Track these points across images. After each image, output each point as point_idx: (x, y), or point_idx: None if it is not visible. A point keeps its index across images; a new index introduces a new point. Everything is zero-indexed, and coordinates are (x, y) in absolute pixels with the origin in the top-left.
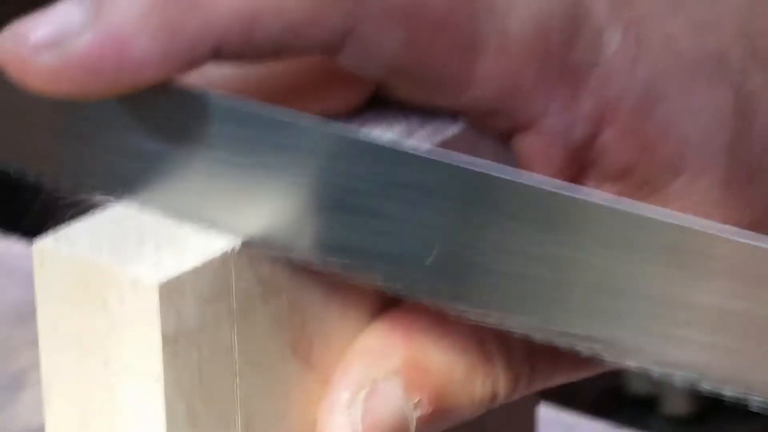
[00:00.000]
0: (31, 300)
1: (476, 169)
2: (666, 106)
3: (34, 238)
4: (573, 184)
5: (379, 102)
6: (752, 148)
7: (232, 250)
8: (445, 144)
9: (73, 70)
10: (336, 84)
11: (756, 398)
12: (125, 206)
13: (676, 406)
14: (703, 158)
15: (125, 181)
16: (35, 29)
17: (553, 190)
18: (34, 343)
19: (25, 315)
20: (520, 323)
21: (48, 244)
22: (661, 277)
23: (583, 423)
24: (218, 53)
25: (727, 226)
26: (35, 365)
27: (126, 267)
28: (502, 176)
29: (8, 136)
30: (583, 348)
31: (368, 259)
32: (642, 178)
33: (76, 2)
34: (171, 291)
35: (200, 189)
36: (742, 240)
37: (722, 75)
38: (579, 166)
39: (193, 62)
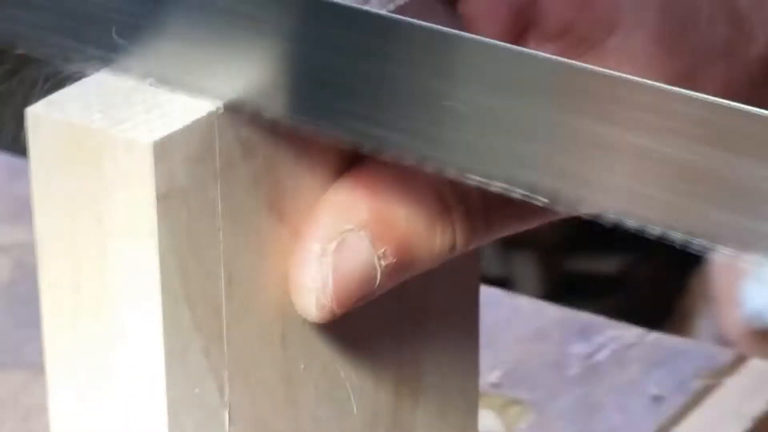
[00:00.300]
0: None
1: (432, 29)
2: None
3: None
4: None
5: None
6: (681, 3)
7: (216, 110)
8: (398, 10)
9: None
10: None
11: (676, 236)
12: (110, 73)
13: (527, 288)
14: (637, 14)
15: (108, 49)
16: None
17: (513, 50)
18: None
19: None
20: (464, 170)
21: (41, 108)
22: (578, 123)
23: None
24: None
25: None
26: None
27: (119, 129)
28: (461, 36)
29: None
30: (516, 193)
31: (337, 117)
32: (580, 36)
33: None
34: (163, 150)
35: (181, 54)
36: (657, 86)
37: None
38: (522, 25)
39: None
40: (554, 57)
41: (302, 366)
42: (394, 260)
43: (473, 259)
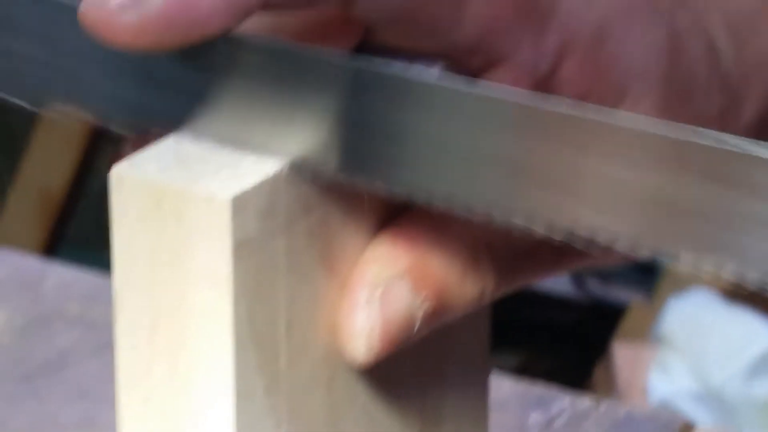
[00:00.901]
0: None
1: (471, 90)
2: (614, 41)
3: None
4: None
5: (362, 51)
6: (681, 77)
7: (281, 170)
8: None
9: (153, 25)
10: (332, 32)
11: (646, 255)
12: (184, 136)
13: None
14: (644, 85)
15: (180, 114)
16: None
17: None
18: None
19: None
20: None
21: (123, 169)
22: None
23: None
24: (267, 3)
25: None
26: None
27: (199, 185)
28: (491, 91)
29: (71, 74)
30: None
31: (384, 172)
32: (594, 104)
33: None
34: (240, 204)
35: (246, 120)
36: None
37: (656, 15)
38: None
39: (249, 13)
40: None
41: (344, 408)
42: (432, 307)
43: (485, 311)
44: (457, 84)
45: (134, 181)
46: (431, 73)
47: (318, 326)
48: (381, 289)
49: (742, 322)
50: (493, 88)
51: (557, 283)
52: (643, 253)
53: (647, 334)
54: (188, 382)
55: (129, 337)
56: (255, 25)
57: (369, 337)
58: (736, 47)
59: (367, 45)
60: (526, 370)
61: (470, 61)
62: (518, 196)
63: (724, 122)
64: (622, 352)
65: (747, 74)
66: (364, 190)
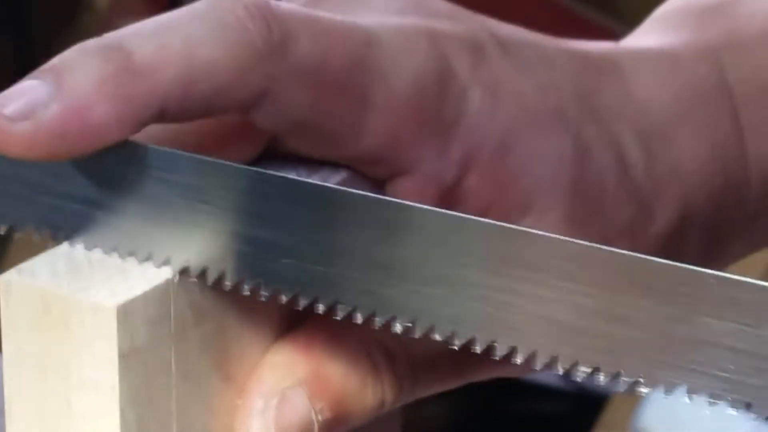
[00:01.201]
0: None
1: (370, 198)
2: (518, 153)
3: None
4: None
5: (271, 155)
6: (589, 188)
7: (172, 278)
8: None
9: (45, 136)
10: (237, 137)
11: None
12: (75, 244)
13: None
14: (549, 196)
15: (72, 222)
16: (9, 103)
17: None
18: None
19: None
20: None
21: (12, 276)
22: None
23: None
24: (162, 115)
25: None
26: None
27: (85, 294)
28: (396, 202)
29: None
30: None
31: (277, 281)
32: (498, 215)
33: (38, 77)
34: (126, 313)
35: (138, 228)
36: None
37: (562, 126)
38: (446, 205)
39: (142, 124)
40: (484, 220)
41: None
42: (330, 415)
43: (394, 418)
44: (354, 193)
45: (22, 288)
46: (330, 180)
47: (215, 431)
48: (277, 398)
49: (722, 415)
50: (385, 197)
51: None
52: (559, 369)
53: (628, 426)
54: None
55: None
56: (156, 131)
57: None
58: (646, 157)
59: (273, 151)
60: None
61: (375, 170)
62: (419, 301)
63: (633, 232)
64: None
65: (658, 184)
66: (259, 298)
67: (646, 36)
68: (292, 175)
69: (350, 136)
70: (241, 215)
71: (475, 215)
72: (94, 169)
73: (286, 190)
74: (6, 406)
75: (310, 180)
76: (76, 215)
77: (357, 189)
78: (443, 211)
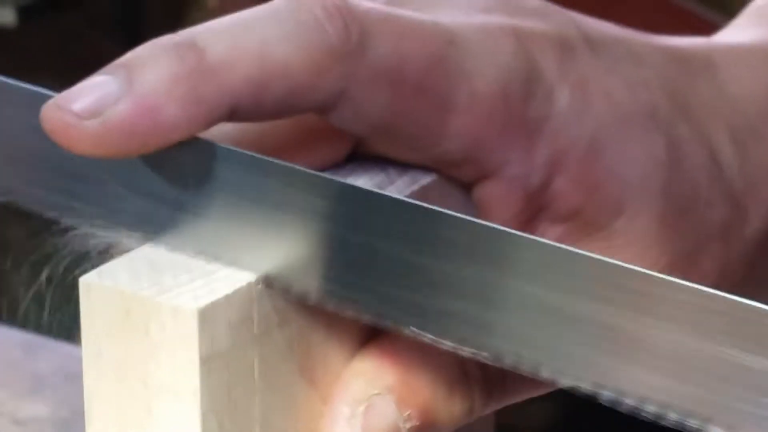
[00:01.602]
0: None
1: (455, 216)
2: (608, 154)
3: None
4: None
5: (359, 156)
6: (682, 189)
7: (255, 281)
8: (422, 190)
9: (113, 134)
10: (322, 139)
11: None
12: (156, 246)
13: None
14: (642, 199)
15: (154, 224)
16: (78, 99)
17: (511, 232)
18: None
19: None
20: (472, 347)
21: (93, 278)
22: (606, 314)
23: None
24: (233, 114)
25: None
26: None
27: (166, 297)
28: (479, 223)
29: (42, 181)
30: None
31: (360, 299)
32: (588, 219)
33: (110, 73)
34: (207, 317)
35: (219, 232)
36: (680, 282)
37: (654, 126)
38: (534, 209)
39: (212, 123)
40: (573, 248)
41: None
42: (418, 423)
43: (486, 424)
44: (451, 215)
45: (103, 290)
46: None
47: None
48: (364, 406)
49: None
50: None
51: None
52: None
53: None
54: None
55: None
56: (238, 130)
57: None
58: (740, 155)
59: (363, 152)
60: None
61: (460, 173)
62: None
63: (727, 234)
64: None
65: (752, 183)
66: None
67: (741, 31)
68: (381, 176)
69: (432, 138)
70: (324, 226)
71: (563, 218)
72: (171, 169)
73: (369, 202)
74: (86, 409)
75: (399, 196)
76: (156, 214)
77: (446, 193)
78: (548, 242)
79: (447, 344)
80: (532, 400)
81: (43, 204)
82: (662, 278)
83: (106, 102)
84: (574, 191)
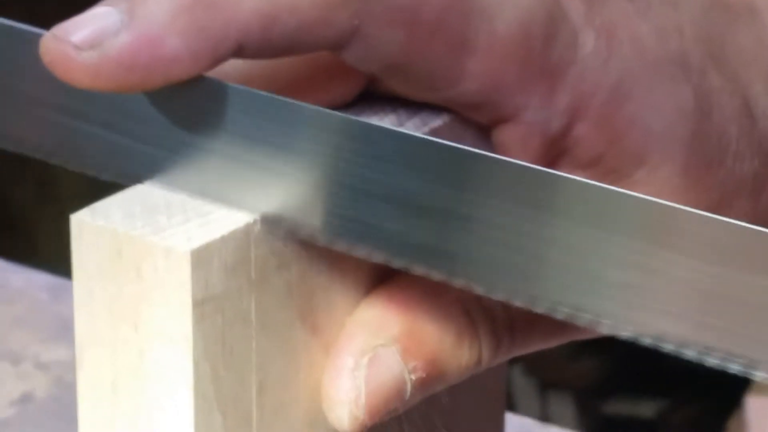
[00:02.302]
0: None
1: (466, 150)
2: (633, 102)
3: None
4: (549, 169)
5: (370, 95)
6: (709, 140)
7: (253, 222)
8: (432, 133)
9: (112, 67)
10: (334, 78)
11: (714, 361)
12: (152, 185)
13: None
14: (665, 149)
15: (151, 164)
16: (77, 30)
17: (534, 168)
18: None
19: None
20: (504, 292)
21: (85, 216)
22: (631, 250)
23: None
24: (240, 50)
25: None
26: None
27: (159, 237)
28: (489, 156)
29: (37, 120)
30: (561, 314)
31: (371, 237)
32: (609, 167)
33: (112, 4)
34: (200, 258)
35: (219, 171)
36: (711, 217)
37: (684, 74)
38: (553, 155)
39: (218, 59)
40: (586, 180)
41: None
42: (424, 374)
43: (499, 376)
44: (478, 154)
45: (94, 229)
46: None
47: (298, 389)
48: (368, 357)
49: None
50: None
51: None
52: (710, 357)
53: None
54: None
55: (91, 395)
56: (245, 67)
57: (354, 407)
58: None
59: (374, 91)
60: (663, 420)
61: (477, 116)
62: (535, 279)
63: (756, 188)
64: (755, 405)
65: None
66: (347, 252)
67: None
68: (391, 117)
69: (449, 78)
70: (327, 164)
71: (583, 166)
72: (173, 107)
73: (384, 142)
74: (77, 352)
75: (411, 132)
76: (153, 155)
77: (460, 135)
78: (574, 178)
79: (457, 283)
80: (575, 358)
81: (41, 149)
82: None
83: (106, 33)
84: (595, 138)
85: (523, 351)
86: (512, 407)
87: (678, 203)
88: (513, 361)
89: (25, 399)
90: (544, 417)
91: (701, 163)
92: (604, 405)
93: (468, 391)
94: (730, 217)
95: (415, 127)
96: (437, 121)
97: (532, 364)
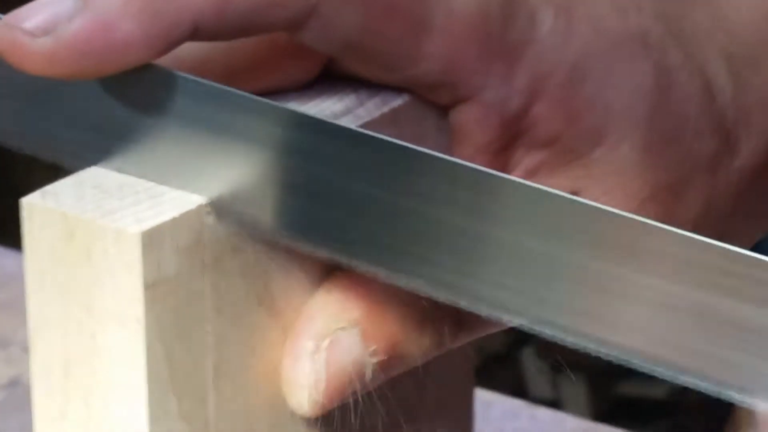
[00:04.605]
0: None
1: (420, 151)
2: (592, 81)
3: None
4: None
5: (330, 75)
6: (669, 117)
7: (206, 203)
8: (392, 114)
9: (66, 53)
10: (292, 59)
11: (685, 379)
12: (104, 168)
13: (576, 411)
14: (624, 127)
15: (103, 147)
16: (30, 17)
17: (487, 172)
18: None
19: None
20: (449, 296)
21: (36, 199)
22: (590, 261)
23: (499, 400)
24: (195, 33)
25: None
26: None
27: (109, 219)
28: (441, 157)
29: None
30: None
31: (318, 236)
32: (567, 146)
33: None
34: (151, 240)
35: (171, 155)
36: (678, 233)
37: (643, 51)
38: (511, 134)
39: (173, 43)
40: (530, 183)
41: None
42: (385, 357)
43: (467, 358)
44: (420, 151)
45: (45, 212)
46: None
47: (255, 371)
48: (328, 340)
49: None
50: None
51: None
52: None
53: None
54: (103, 430)
55: (43, 378)
56: (199, 49)
57: (314, 390)
58: (734, 85)
59: (333, 71)
60: (675, 401)
61: (435, 96)
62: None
63: (715, 166)
64: None
65: (745, 114)
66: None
67: None
68: (351, 98)
69: (406, 59)
70: (280, 156)
71: (541, 146)
72: (122, 91)
73: (328, 133)
74: (30, 336)
75: (354, 127)
76: (105, 138)
77: (419, 116)
78: (524, 182)
79: (401, 283)
80: None
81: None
82: (648, 224)
83: (59, 19)
84: (553, 118)
85: (486, 331)
86: (524, 389)
87: (636, 180)
88: (524, 344)
89: (14, 383)
90: (556, 399)
91: (660, 141)
92: (616, 386)
93: (433, 370)
94: (688, 194)
95: (375, 107)
96: (397, 101)
97: (544, 346)
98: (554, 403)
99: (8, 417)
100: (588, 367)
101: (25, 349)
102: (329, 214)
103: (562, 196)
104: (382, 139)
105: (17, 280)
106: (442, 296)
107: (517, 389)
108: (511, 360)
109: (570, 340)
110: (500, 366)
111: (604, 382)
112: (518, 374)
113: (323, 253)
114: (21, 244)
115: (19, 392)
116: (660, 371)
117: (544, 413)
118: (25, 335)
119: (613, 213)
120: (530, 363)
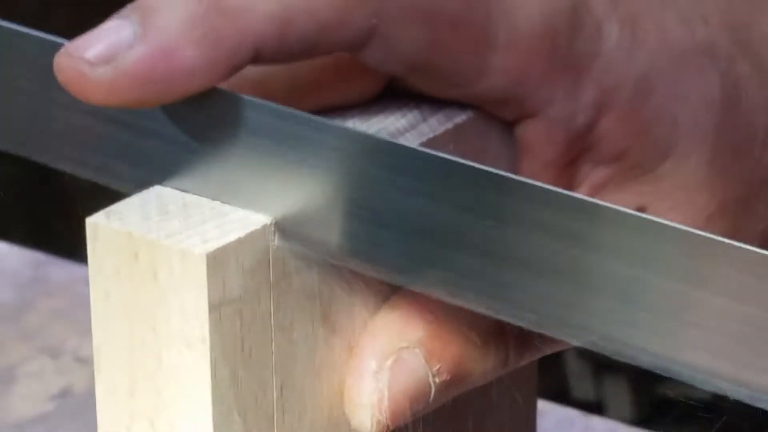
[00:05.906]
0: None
1: (499, 174)
2: (658, 94)
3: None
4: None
5: (391, 90)
6: (737, 130)
7: (271, 223)
8: (455, 129)
9: (128, 82)
10: (354, 77)
11: (753, 397)
12: (168, 187)
13: (619, 412)
14: (692, 140)
15: (169, 168)
16: (90, 46)
17: (573, 197)
18: (22, 338)
19: (12, 312)
20: (533, 322)
21: (100, 218)
22: (668, 281)
23: (552, 409)
24: (257, 57)
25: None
26: (25, 359)
27: (175, 240)
28: (523, 182)
29: (51, 132)
30: (588, 344)
31: (381, 259)
32: (634, 161)
33: (124, 17)
34: (217, 261)
35: (236, 175)
36: (749, 250)
37: (711, 63)
38: (577, 150)
39: (236, 67)
40: (618, 208)
41: None
42: (448, 377)
43: (530, 374)
44: (490, 168)
45: (110, 232)
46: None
47: (319, 390)
48: (392, 359)
49: None
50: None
51: None
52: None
53: None
54: None
55: (109, 398)
56: (263, 68)
57: (377, 410)
58: None
59: (396, 89)
60: (719, 402)
61: (501, 112)
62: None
63: None
64: None
65: None
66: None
67: None
68: (414, 113)
69: (472, 75)
70: (345, 180)
71: (607, 161)
72: (188, 113)
73: (399, 158)
74: (95, 356)
75: (427, 150)
76: (170, 158)
77: (483, 131)
78: (588, 200)
79: (471, 306)
80: None
81: (56, 156)
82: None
83: (119, 47)
84: (620, 133)
85: (552, 350)
86: (566, 390)
87: (704, 195)
88: None
89: (65, 393)
90: (599, 400)
91: (729, 154)
92: (658, 387)
93: (497, 389)
94: (757, 208)
95: (438, 123)
96: (461, 116)
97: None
98: (596, 406)
99: (59, 427)
100: (630, 367)
101: (77, 359)
102: (397, 239)
103: (645, 219)
104: (457, 162)
105: (67, 289)
106: (524, 322)
107: (560, 391)
108: (552, 361)
109: (646, 360)
110: (542, 367)
111: (646, 382)
112: (560, 376)
113: (390, 279)
114: (70, 253)
115: (69, 402)
116: (724, 388)
117: (598, 422)
118: (76, 345)
119: (690, 233)
120: (572, 363)
